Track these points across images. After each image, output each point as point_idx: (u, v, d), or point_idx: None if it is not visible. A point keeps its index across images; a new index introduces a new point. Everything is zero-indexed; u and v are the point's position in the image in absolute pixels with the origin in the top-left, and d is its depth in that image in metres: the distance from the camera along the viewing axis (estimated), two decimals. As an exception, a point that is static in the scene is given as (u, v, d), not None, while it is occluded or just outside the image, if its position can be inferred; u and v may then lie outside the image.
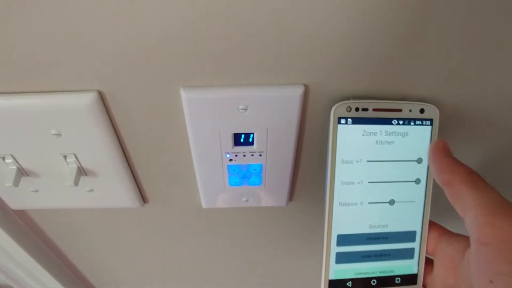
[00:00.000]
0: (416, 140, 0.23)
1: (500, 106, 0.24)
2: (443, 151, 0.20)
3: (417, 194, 0.23)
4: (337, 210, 0.23)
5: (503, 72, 0.22)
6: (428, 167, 0.23)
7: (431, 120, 0.23)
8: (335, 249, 0.23)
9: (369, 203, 0.23)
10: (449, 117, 0.25)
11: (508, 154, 0.28)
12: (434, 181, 0.23)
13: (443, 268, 0.21)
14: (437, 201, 0.24)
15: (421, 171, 0.23)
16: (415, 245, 0.24)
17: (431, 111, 0.23)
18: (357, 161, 0.22)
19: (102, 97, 0.22)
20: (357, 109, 0.22)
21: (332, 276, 0.23)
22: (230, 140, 0.25)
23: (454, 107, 0.24)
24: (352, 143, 0.22)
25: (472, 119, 0.25)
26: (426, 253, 0.24)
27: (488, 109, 0.24)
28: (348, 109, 0.22)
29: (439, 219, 0.24)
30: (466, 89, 0.23)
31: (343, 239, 0.23)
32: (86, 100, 0.22)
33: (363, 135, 0.22)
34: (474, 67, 0.22)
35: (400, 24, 0.19)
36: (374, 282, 0.24)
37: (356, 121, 0.22)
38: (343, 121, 0.22)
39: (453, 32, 0.19)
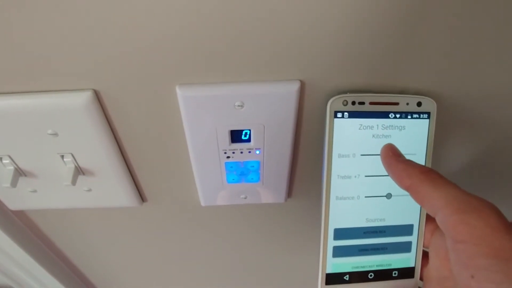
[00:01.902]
0: (414, 133, 0.23)
1: (498, 99, 0.24)
2: (394, 156, 0.20)
3: None
4: (334, 204, 0.23)
5: (501, 65, 0.22)
6: (425, 159, 0.23)
7: (428, 113, 0.23)
8: (332, 243, 0.23)
9: (366, 197, 0.23)
10: (447, 110, 0.25)
11: (505, 147, 0.28)
12: None
13: (438, 260, 0.21)
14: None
15: None
16: (412, 238, 0.24)
17: (429, 104, 0.23)
18: (353, 155, 0.22)
19: (98, 96, 0.22)
20: (353, 103, 0.22)
21: (330, 270, 0.23)
22: (227, 137, 0.25)
23: (452, 100, 0.24)
24: (349, 137, 0.22)
25: (470, 112, 0.25)
26: (423, 245, 0.24)
27: (486, 102, 0.24)
28: (345, 102, 0.22)
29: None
30: (464, 82, 0.23)
31: (340, 233, 0.23)
32: (82, 99, 0.22)
33: (359, 129, 0.22)
34: (472, 60, 0.22)
35: (397, 18, 0.19)
36: (371, 275, 0.24)
37: (353, 114, 0.22)
38: (339, 115, 0.22)
39: (450, 25, 0.19)
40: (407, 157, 0.21)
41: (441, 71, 0.22)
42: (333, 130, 0.22)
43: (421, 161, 0.23)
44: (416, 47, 0.20)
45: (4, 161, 0.25)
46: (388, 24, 0.19)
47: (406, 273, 0.24)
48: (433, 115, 0.23)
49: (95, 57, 0.20)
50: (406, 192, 0.23)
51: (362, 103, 0.22)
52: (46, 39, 0.19)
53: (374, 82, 0.22)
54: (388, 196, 0.23)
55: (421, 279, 0.24)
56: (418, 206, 0.24)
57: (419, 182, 0.18)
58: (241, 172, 0.27)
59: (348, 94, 0.22)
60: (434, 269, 0.22)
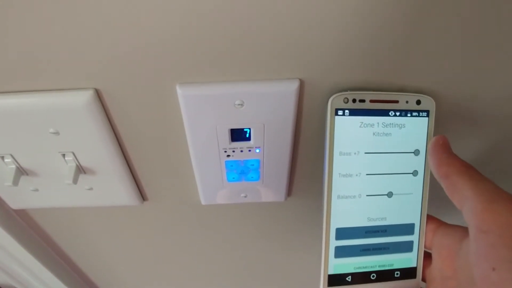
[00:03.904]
0: (413, 131, 0.23)
1: (497, 98, 0.24)
2: (442, 146, 0.21)
3: (415, 186, 0.23)
4: (335, 203, 0.23)
5: (501, 64, 0.22)
6: (425, 159, 0.23)
7: (427, 111, 0.23)
8: (334, 243, 0.23)
9: (367, 195, 0.23)
10: (446, 109, 0.24)
11: (505, 146, 0.28)
12: (431, 173, 0.23)
13: (440, 260, 0.21)
14: (434, 194, 0.24)
15: (418, 163, 0.23)
16: (413, 238, 0.24)
17: (428, 103, 0.23)
18: (354, 153, 0.22)
19: (99, 95, 0.23)
20: (354, 101, 0.22)
21: (332, 271, 0.23)
22: (227, 136, 0.25)
23: (451, 98, 0.24)
24: (350, 135, 0.22)
25: (470, 110, 0.25)
26: (424, 246, 0.24)
27: (485, 101, 0.24)
28: (345, 100, 0.22)
29: (436, 211, 0.24)
30: (462, 81, 0.23)
31: (342, 233, 0.23)
32: (83, 98, 0.22)
33: (360, 126, 0.22)
34: (471, 59, 0.21)
35: (396, 17, 0.19)
36: (373, 276, 0.24)
37: (353, 112, 0.22)
38: (340, 112, 0.22)
39: (451, 24, 0.19)
40: (406, 155, 0.21)
41: (440, 70, 0.22)
42: (334, 128, 0.22)
43: (421, 159, 0.23)
44: (415, 46, 0.20)
45: (6, 160, 0.26)
46: (388, 23, 0.19)
47: (408, 273, 0.24)
48: (432, 113, 0.23)
49: (97, 57, 0.20)
50: (407, 191, 0.23)
51: (362, 100, 0.22)
52: (47, 38, 0.19)
53: (373, 81, 0.22)
54: (389, 194, 0.23)
55: (424, 280, 0.24)
56: (419, 205, 0.24)
57: (457, 172, 0.18)
58: (241, 171, 0.27)
59: (349, 92, 0.22)
60: (436, 270, 0.22)
